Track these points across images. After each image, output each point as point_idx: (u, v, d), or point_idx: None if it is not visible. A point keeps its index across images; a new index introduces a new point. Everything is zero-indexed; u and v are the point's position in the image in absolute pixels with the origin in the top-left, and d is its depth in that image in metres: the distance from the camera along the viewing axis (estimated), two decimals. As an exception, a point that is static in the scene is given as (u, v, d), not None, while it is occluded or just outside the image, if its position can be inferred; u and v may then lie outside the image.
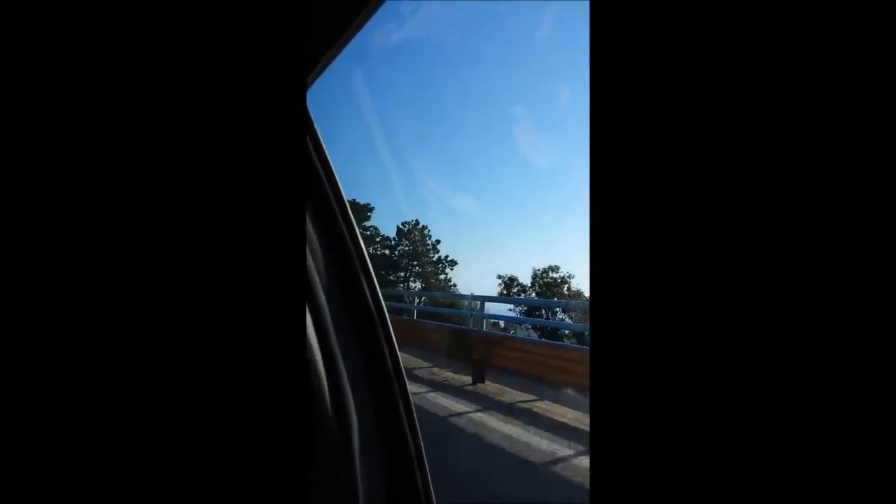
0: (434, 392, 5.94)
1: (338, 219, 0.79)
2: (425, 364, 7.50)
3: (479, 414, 5.12)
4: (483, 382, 6.44)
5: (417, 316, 11.92)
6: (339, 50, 0.70)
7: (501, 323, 12.39)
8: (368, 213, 21.97)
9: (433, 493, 0.78)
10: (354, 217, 0.82)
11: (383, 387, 0.80)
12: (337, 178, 0.79)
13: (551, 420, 5.05)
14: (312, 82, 0.76)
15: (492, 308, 9.92)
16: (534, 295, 19.85)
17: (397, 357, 0.79)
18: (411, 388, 0.92)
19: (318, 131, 0.79)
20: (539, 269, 20.32)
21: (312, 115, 0.78)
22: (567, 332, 12.64)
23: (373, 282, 0.79)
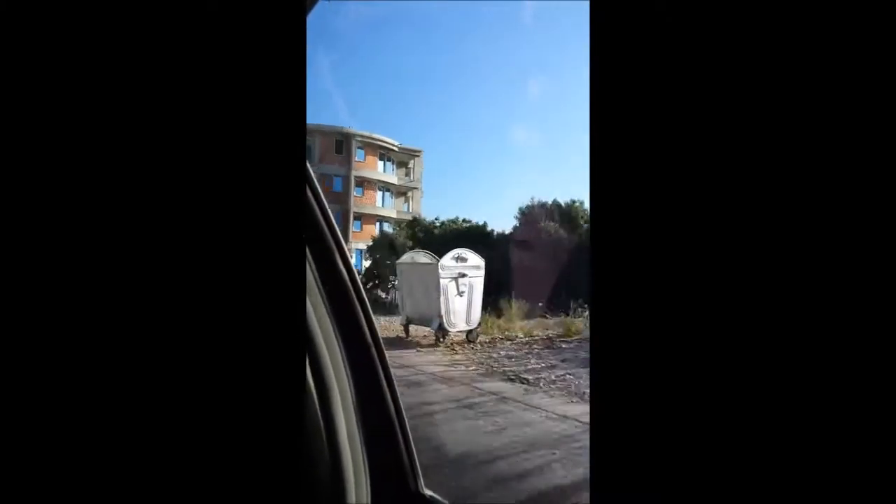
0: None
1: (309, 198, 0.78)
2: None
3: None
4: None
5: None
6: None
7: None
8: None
9: (418, 465, 0.80)
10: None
11: (364, 363, 0.80)
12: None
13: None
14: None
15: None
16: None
17: (378, 336, 0.80)
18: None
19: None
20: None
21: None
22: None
23: (349, 263, 0.79)
